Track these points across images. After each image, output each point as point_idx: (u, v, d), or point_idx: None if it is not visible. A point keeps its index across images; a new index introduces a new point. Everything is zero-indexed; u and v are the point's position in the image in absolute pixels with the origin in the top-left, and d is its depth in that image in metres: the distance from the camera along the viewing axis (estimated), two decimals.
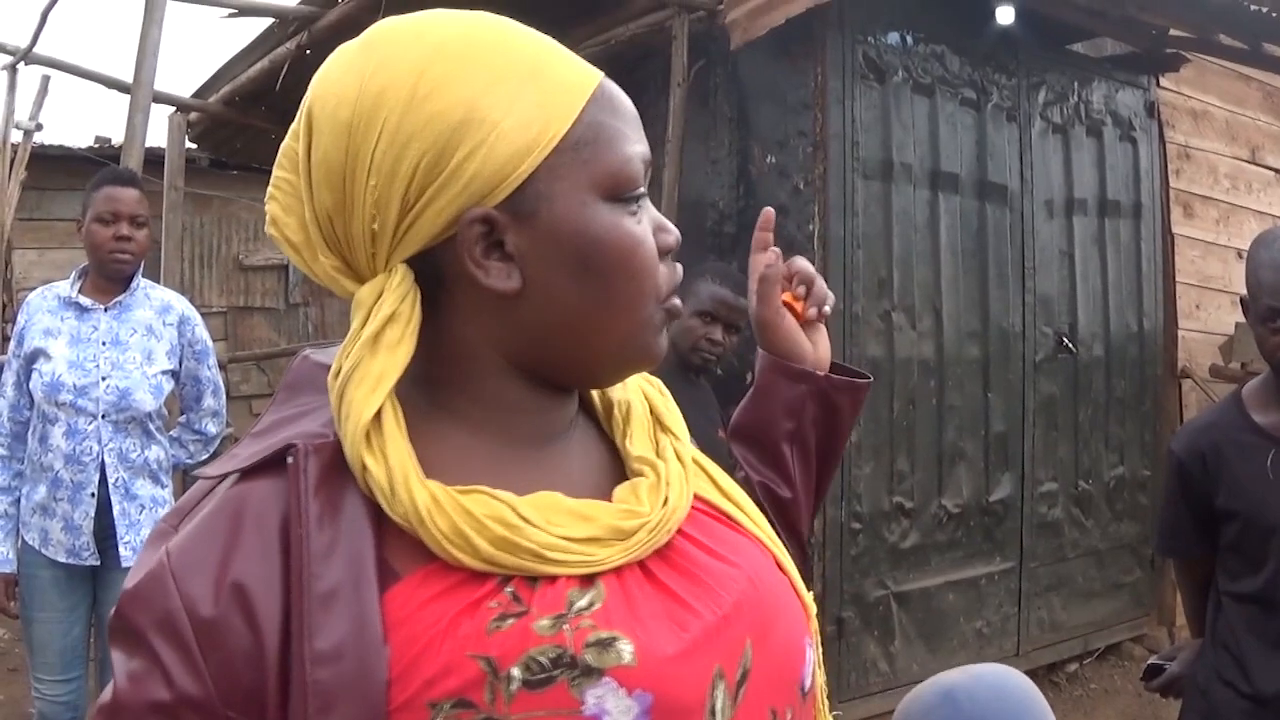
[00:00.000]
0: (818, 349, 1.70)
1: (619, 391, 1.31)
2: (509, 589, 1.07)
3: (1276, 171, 8.80)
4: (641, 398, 1.33)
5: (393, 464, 1.07)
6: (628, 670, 1.05)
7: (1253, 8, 6.01)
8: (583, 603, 1.08)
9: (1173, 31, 6.96)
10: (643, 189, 1.18)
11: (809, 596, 1.31)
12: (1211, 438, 3.22)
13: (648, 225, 1.19)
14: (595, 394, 1.32)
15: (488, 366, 1.19)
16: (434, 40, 1.13)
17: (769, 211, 1.71)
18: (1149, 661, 3.62)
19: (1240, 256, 8.12)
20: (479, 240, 1.12)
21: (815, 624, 1.31)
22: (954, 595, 6.41)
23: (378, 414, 1.08)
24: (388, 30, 1.16)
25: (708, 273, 4.55)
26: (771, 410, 1.67)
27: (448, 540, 1.06)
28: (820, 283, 1.68)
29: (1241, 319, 7.44)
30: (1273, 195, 8.74)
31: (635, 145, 1.18)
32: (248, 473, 1.12)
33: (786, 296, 1.66)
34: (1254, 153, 8.66)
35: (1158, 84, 7.76)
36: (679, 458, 1.26)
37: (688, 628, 1.11)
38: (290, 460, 1.09)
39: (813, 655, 1.25)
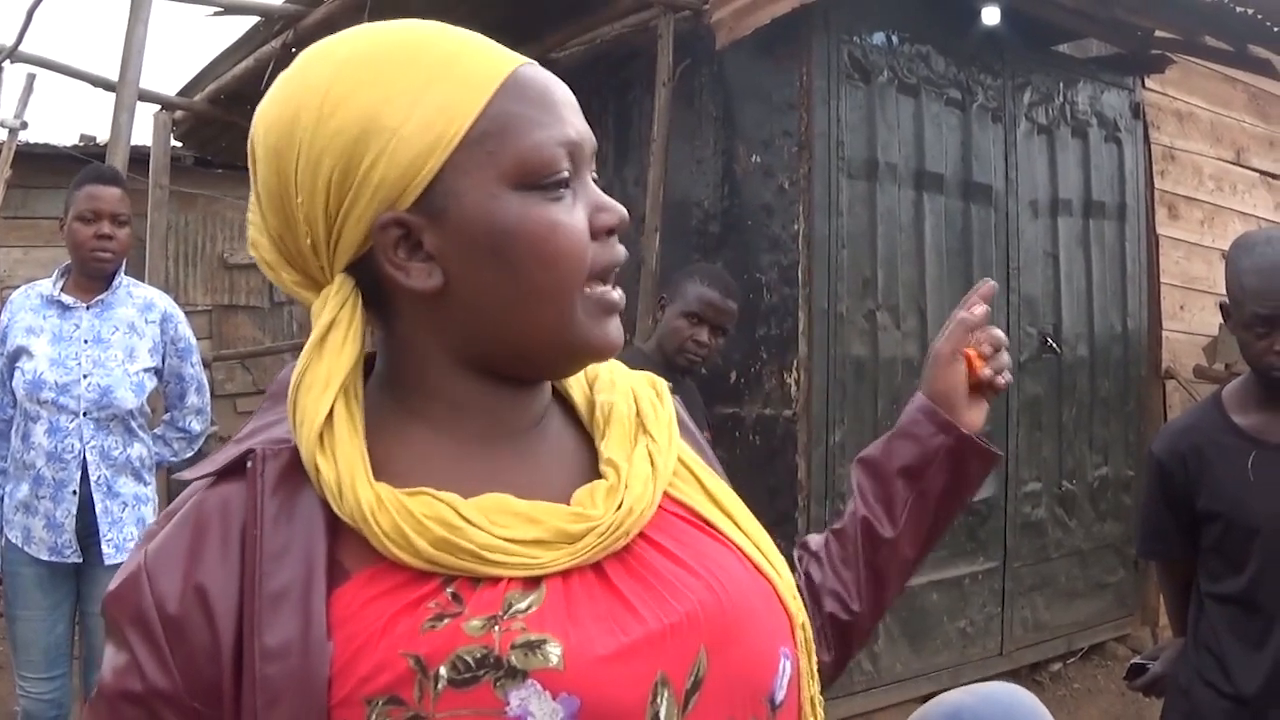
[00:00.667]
0: (971, 413, 1.66)
1: (605, 393, 1.31)
2: (450, 589, 1.09)
3: (1261, 173, 8.82)
4: (629, 399, 1.32)
5: (342, 466, 1.11)
6: (554, 673, 1.05)
7: (1238, 10, 6.03)
8: (521, 605, 1.09)
9: (1158, 33, 6.98)
10: (563, 172, 1.17)
11: (796, 606, 1.28)
12: (1192, 439, 3.22)
13: (579, 208, 1.19)
14: (579, 394, 1.33)
15: (436, 364, 1.22)
16: (342, 56, 1.17)
17: (990, 285, 1.71)
18: (1132, 661, 3.63)
19: (1224, 258, 8.13)
20: (398, 243, 1.15)
21: (806, 634, 1.30)
22: (938, 595, 6.41)
23: (331, 417, 1.13)
24: (308, 53, 1.21)
25: (695, 274, 4.54)
26: (906, 450, 1.64)
27: (389, 540, 1.09)
28: (1005, 356, 1.67)
29: None
30: (1257, 197, 8.77)
31: (550, 130, 1.17)
32: (220, 477, 1.17)
33: (970, 350, 1.65)
34: (1239, 154, 8.68)
35: (1143, 85, 7.77)
36: (652, 461, 1.24)
37: (628, 633, 1.11)
38: (249, 465, 1.15)
39: (791, 667, 1.24)
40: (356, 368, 1.16)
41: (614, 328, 1.22)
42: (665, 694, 1.10)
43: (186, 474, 1.23)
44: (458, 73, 1.15)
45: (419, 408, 1.23)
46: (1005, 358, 1.67)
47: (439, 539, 1.09)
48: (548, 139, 1.16)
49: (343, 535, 1.12)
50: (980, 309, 1.66)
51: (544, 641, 1.06)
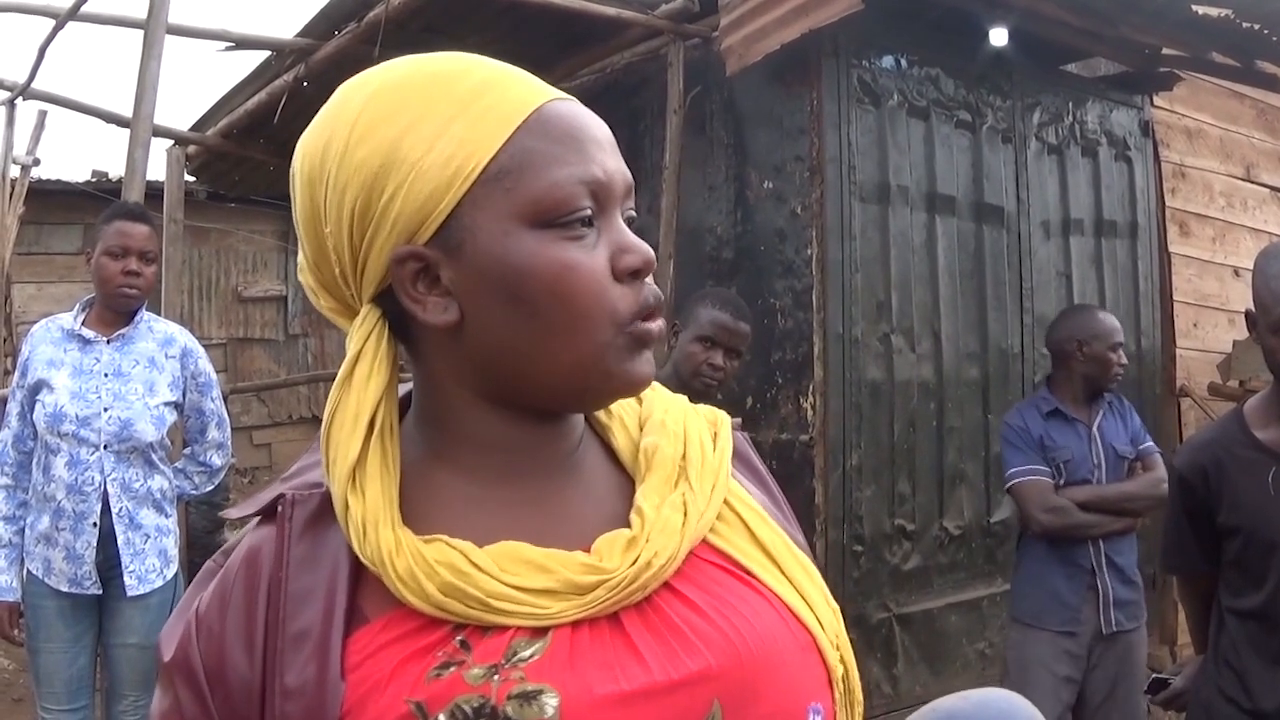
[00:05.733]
0: None
1: (652, 434, 1.29)
2: (459, 638, 1.10)
3: (1272, 189, 8.81)
4: (679, 442, 1.29)
5: (369, 506, 1.13)
6: None
7: (1245, 25, 6.03)
8: (524, 653, 1.09)
9: (1166, 50, 6.98)
10: (582, 211, 1.15)
11: (836, 658, 1.24)
12: (1213, 453, 3.22)
13: (600, 248, 1.16)
14: (623, 436, 1.31)
15: (458, 401, 1.22)
16: (373, 88, 1.17)
17: None
18: (1153, 676, 3.64)
19: (1237, 274, 8.14)
20: (416, 277, 1.16)
21: (848, 687, 1.27)
22: (956, 617, 6.40)
23: (364, 455, 1.14)
24: (347, 83, 1.21)
25: (706, 298, 4.54)
26: None
27: (402, 584, 1.11)
28: None
29: (1240, 336, 7.47)
30: (1268, 212, 8.75)
31: (571, 167, 1.15)
32: (263, 518, 1.22)
33: None
34: (1249, 170, 8.68)
35: (1152, 103, 7.78)
36: (685, 511, 1.21)
37: (630, 682, 1.10)
38: (280, 509, 1.19)
39: None
40: (389, 402, 1.17)
41: (643, 363, 1.19)
42: None
43: (230, 512, 1.30)
44: (483, 106, 1.14)
45: (442, 448, 1.23)
46: None
47: (447, 584, 1.10)
48: (567, 177, 1.14)
49: (365, 581, 1.15)
50: None
51: (541, 692, 1.06)
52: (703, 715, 1.10)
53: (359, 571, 1.14)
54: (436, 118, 1.13)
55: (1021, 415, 4.94)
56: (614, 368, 1.17)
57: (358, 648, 1.11)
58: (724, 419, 1.37)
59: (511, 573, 1.12)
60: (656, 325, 1.19)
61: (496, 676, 1.07)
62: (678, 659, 1.12)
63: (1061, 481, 4.77)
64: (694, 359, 4.35)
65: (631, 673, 1.10)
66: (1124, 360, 4.85)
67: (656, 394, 1.37)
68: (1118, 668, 4.81)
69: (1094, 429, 4.85)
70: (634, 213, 1.23)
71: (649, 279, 1.20)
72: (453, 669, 1.08)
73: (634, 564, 1.14)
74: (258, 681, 1.11)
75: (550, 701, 1.06)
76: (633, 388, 1.21)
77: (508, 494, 1.22)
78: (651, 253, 1.19)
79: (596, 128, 1.19)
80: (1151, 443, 4.99)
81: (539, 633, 1.11)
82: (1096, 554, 4.74)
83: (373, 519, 1.12)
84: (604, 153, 1.18)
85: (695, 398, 4.53)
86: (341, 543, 1.15)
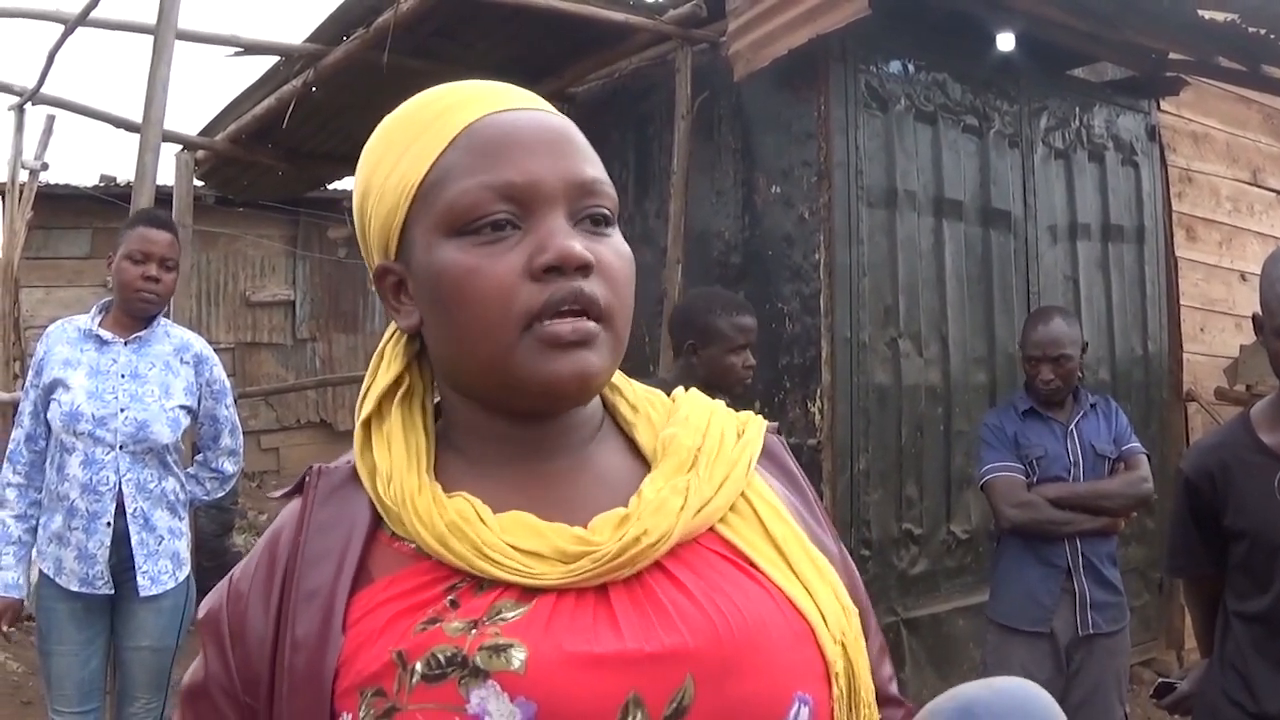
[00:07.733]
0: None
1: (673, 426, 1.34)
2: (450, 597, 1.18)
3: (1278, 193, 8.81)
4: (698, 434, 1.33)
5: (394, 458, 1.26)
6: (515, 677, 1.10)
7: (1250, 30, 6.04)
8: (507, 614, 1.15)
9: (1172, 55, 6.99)
10: (491, 216, 1.21)
11: (836, 652, 1.24)
12: (1219, 457, 3.23)
13: (518, 251, 1.21)
14: (647, 431, 1.36)
15: (449, 395, 1.34)
16: (379, 127, 1.33)
17: None
18: (1160, 680, 3.65)
19: (1243, 279, 8.13)
20: (398, 289, 1.30)
21: (852, 682, 1.27)
22: (963, 621, 6.40)
23: (383, 417, 1.30)
24: None
25: (715, 308, 4.49)
26: None
27: (418, 518, 1.21)
28: None
29: (1247, 341, 7.47)
30: (1275, 217, 8.75)
31: (482, 175, 1.21)
32: (296, 494, 1.33)
33: None
34: (1255, 174, 8.68)
35: (1158, 108, 7.80)
36: (686, 496, 1.24)
37: (600, 647, 1.13)
38: (307, 480, 1.31)
39: (809, 712, 1.20)
40: (411, 380, 1.33)
41: (569, 361, 1.21)
42: (638, 715, 1.12)
43: (273, 494, 1.45)
44: (431, 130, 1.26)
45: (454, 438, 1.34)
46: None
47: (452, 523, 1.19)
48: (475, 184, 1.21)
49: (376, 546, 1.25)
50: None
51: (510, 646, 1.12)
52: (674, 688, 1.14)
53: (373, 537, 1.25)
54: (399, 147, 1.28)
55: (998, 415, 4.95)
56: (522, 368, 1.21)
57: (360, 605, 1.20)
58: (756, 420, 1.41)
59: (509, 533, 1.20)
60: (571, 325, 1.20)
61: (474, 631, 1.13)
62: (654, 633, 1.16)
63: (1035, 479, 4.75)
64: (734, 371, 4.43)
65: (604, 639, 1.14)
66: (1046, 376, 4.75)
67: (691, 395, 1.43)
68: (1098, 674, 4.80)
69: (1071, 427, 4.82)
70: (604, 211, 1.26)
71: (586, 277, 1.21)
72: (438, 624, 1.15)
73: (621, 539, 1.19)
74: (270, 636, 1.21)
75: (518, 655, 1.11)
76: (550, 388, 1.23)
77: (516, 479, 1.29)
78: (573, 249, 1.20)
79: (531, 133, 1.25)
80: (1137, 443, 4.93)
81: (526, 597, 1.17)
82: (1073, 554, 4.71)
83: (399, 467, 1.25)
84: (531, 157, 1.23)
85: (736, 402, 4.53)
86: (360, 510, 1.26)
